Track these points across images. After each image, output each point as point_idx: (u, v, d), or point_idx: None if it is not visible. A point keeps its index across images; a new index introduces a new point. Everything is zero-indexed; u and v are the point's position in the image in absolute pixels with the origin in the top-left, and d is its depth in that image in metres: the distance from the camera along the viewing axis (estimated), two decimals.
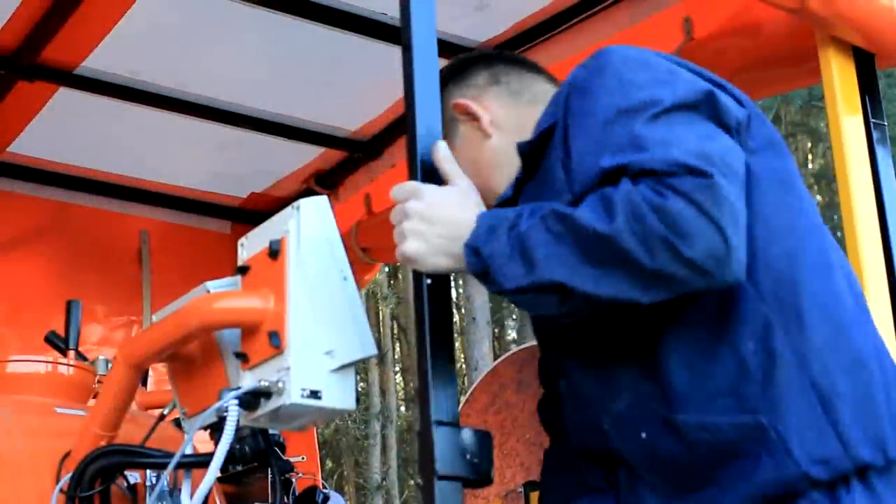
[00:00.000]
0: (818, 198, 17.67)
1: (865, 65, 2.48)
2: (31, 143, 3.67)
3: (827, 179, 17.09)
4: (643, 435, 1.65)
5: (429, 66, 1.62)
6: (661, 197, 1.49)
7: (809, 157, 18.46)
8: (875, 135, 2.45)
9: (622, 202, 1.51)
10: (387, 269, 18.60)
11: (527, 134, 1.83)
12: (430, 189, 1.62)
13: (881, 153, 2.44)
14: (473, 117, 1.97)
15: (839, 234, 2.36)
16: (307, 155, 3.88)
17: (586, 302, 1.55)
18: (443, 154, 1.66)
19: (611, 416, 1.70)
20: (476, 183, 1.76)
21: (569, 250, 1.53)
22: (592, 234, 1.51)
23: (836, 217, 14.03)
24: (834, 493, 1.56)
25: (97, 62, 3.29)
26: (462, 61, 2.06)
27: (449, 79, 2.00)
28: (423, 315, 1.51)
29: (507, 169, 1.90)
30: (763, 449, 1.56)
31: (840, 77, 2.45)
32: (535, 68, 2.04)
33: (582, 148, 1.64)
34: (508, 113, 1.98)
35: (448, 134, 1.88)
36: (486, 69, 2.01)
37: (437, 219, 1.61)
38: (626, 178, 1.53)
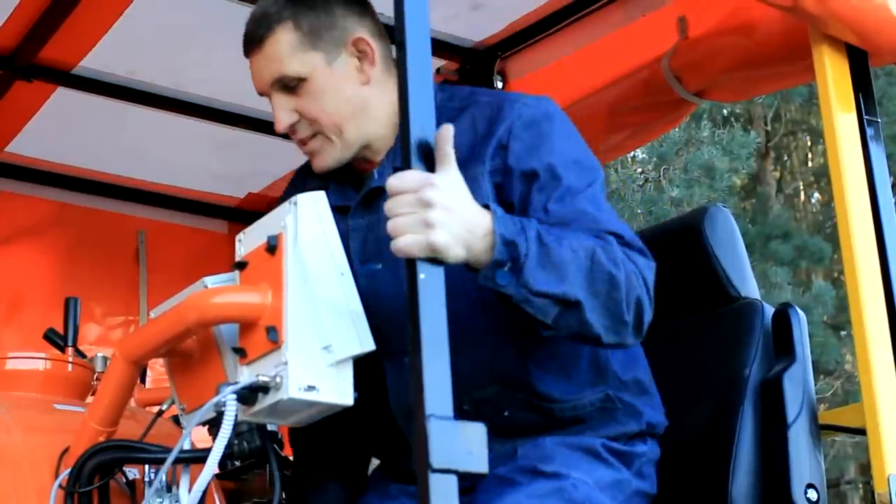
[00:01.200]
0: (818, 196, 17.62)
1: (859, 62, 2.49)
2: (29, 143, 3.68)
3: (827, 178, 16.90)
4: (506, 413, 1.95)
5: (422, 64, 1.62)
6: (637, 268, 1.82)
7: (809, 155, 18.43)
8: (869, 132, 2.46)
9: (622, 261, 1.79)
10: None
11: (388, 103, 1.94)
12: (440, 177, 1.56)
13: (875, 150, 2.45)
14: (366, 57, 1.94)
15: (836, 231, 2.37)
16: (304, 155, 3.87)
17: (576, 324, 1.78)
18: (447, 135, 1.58)
19: (474, 401, 1.90)
20: (322, 117, 1.93)
21: (589, 278, 1.75)
22: (607, 274, 1.76)
23: (834, 215, 13.99)
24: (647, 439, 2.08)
25: (95, 62, 3.30)
26: None
27: (356, 2, 1.97)
28: (418, 309, 1.51)
29: (367, 121, 1.96)
30: (609, 417, 2.00)
31: (834, 75, 2.46)
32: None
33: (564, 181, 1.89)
34: (384, 72, 1.98)
35: (324, 50, 1.93)
36: (376, 19, 2.00)
37: (457, 207, 1.58)
38: (610, 236, 1.83)
